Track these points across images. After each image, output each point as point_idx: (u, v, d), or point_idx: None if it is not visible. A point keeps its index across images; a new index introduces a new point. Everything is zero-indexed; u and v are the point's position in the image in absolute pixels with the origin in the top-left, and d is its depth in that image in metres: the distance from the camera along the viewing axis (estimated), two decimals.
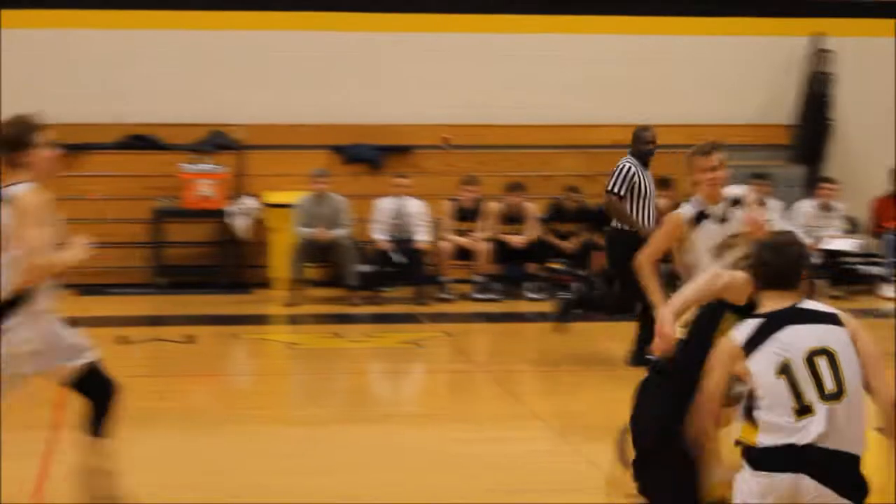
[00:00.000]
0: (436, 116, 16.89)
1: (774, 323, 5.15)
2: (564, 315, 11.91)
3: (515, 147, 17.12)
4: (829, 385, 5.03)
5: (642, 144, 11.66)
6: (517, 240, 15.70)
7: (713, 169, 8.01)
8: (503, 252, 15.70)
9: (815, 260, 16.02)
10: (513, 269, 15.89)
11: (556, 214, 16.23)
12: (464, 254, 15.71)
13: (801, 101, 17.60)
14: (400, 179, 15.85)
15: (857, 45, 17.46)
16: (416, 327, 13.79)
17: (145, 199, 16.16)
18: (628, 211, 11.39)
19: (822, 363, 5.05)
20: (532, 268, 15.86)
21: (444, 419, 9.78)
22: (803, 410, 5.03)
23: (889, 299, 14.52)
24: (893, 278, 16.04)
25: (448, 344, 13.10)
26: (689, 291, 5.89)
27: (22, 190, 6.30)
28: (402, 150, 16.89)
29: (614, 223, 11.49)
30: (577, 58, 17.33)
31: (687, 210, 8.04)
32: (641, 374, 6.24)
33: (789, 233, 5.71)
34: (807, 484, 5.01)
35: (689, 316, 5.97)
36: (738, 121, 17.47)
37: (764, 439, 5.08)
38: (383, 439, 8.97)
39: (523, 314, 14.77)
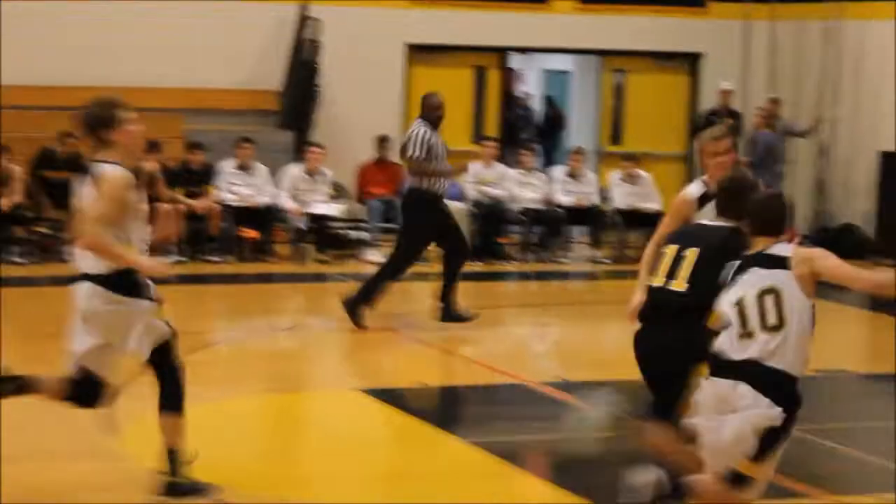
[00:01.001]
0: None
1: (745, 264, 6.17)
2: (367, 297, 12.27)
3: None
4: (772, 319, 5.98)
5: (432, 109, 12.36)
6: (2, 202, 15.22)
7: (721, 153, 7.87)
8: None
9: (302, 224, 16.48)
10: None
11: (45, 162, 15.87)
12: None
13: (289, 67, 17.94)
14: None
15: (343, 14, 17.97)
16: None
17: None
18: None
19: (769, 300, 6.00)
20: (17, 231, 15.44)
21: None
22: (747, 335, 6.02)
23: (373, 263, 15.02)
24: (377, 243, 16.67)
25: None
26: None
27: (107, 169, 6.60)
28: None
29: (414, 184, 12.31)
30: (75, 21, 17.08)
31: (694, 189, 7.90)
32: None
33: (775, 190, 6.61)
34: (741, 390, 5.95)
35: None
36: (229, 85, 17.67)
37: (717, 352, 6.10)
38: None
39: (6, 279, 14.28)
